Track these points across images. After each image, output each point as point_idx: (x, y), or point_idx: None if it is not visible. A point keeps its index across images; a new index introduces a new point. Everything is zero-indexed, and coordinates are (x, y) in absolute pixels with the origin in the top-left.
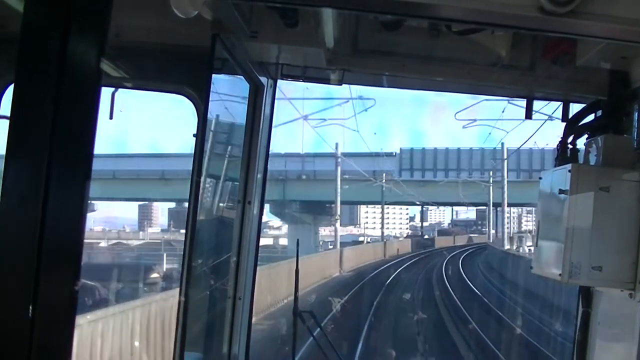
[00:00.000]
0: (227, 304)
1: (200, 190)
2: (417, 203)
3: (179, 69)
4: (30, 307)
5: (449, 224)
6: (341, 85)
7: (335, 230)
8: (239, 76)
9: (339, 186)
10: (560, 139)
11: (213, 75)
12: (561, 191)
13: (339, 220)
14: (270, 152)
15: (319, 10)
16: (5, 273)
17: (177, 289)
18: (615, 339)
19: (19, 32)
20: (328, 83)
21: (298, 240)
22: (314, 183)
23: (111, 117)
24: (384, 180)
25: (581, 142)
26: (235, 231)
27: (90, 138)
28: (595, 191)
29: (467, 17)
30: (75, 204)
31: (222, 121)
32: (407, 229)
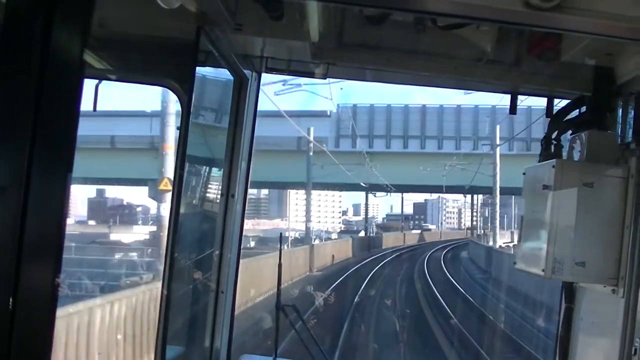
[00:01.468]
0: (209, 298)
1: (184, 183)
2: (363, 185)
3: (164, 61)
4: (11, 300)
5: (383, 218)
6: (326, 79)
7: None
8: (223, 69)
9: None
10: (545, 135)
11: (197, 67)
12: (545, 186)
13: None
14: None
15: (304, 4)
16: None
17: None
18: (598, 334)
19: (0, 23)
20: (312, 77)
21: (281, 233)
22: None
23: (94, 109)
24: (311, 149)
25: (565, 138)
26: (218, 224)
27: (73, 130)
28: (579, 187)
29: (453, 11)
30: (56, 196)
31: (206, 114)
32: (339, 223)
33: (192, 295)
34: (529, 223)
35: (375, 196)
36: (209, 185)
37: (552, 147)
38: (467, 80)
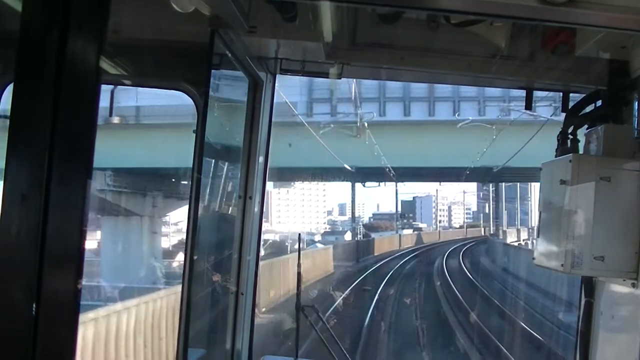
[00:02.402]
0: (229, 300)
1: (201, 186)
2: (349, 168)
3: (178, 65)
4: (34, 305)
5: (370, 217)
6: (340, 79)
7: None
8: (237, 72)
9: None
10: (561, 130)
11: (212, 71)
12: (562, 181)
13: None
14: None
15: (317, 5)
16: (9, 271)
17: None
18: (618, 328)
19: (17, 31)
20: (327, 77)
21: (299, 234)
22: (144, 132)
23: (111, 114)
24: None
25: (581, 133)
26: (237, 226)
27: (91, 135)
28: (596, 181)
29: (466, 8)
30: (76, 202)
31: (222, 117)
32: (324, 223)
33: (212, 297)
34: (547, 218)
35: (364, 186)
36: (226, 188)
37: (569, 141)
38: (481, 77)
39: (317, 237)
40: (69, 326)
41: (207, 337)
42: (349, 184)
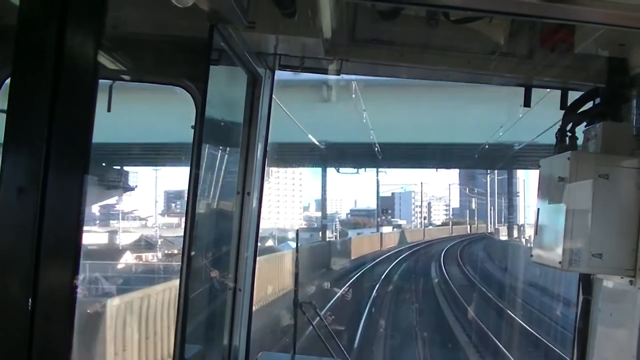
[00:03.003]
0: (227, 296)
1: (199, 182)
2: (317, 143)
3: (177, 61)
4: (30, 300)
5: (347, 214)
6: (339, 75)
7: None
8: (236, 67)
9: None
10: (559, 127)
11: (211, 66)
12: (560, 179)
13: None
14: None
15: (316, 0)
16: (4, 266)
17: None
18: (615, 325)
19: (15, 25)
20: (326, 73)
21: (298, 230)
22: None
23: (109, 110)
24: None
25: (580, 130)
26: (235, 222)
27: (88, 131)
28: (595, 178)
29: (465, 5)
30: (73, 197)
31: (220, 112)
32: (300, 220)
33: (210, 293)
34: (545, 215)
35: (338, 172)
36: (224, 184)
37: (567, 139)
38: (480, 73)
39: (291, 234)
40: (65, 320)
41: (205, 333)
42: (319, 169)
